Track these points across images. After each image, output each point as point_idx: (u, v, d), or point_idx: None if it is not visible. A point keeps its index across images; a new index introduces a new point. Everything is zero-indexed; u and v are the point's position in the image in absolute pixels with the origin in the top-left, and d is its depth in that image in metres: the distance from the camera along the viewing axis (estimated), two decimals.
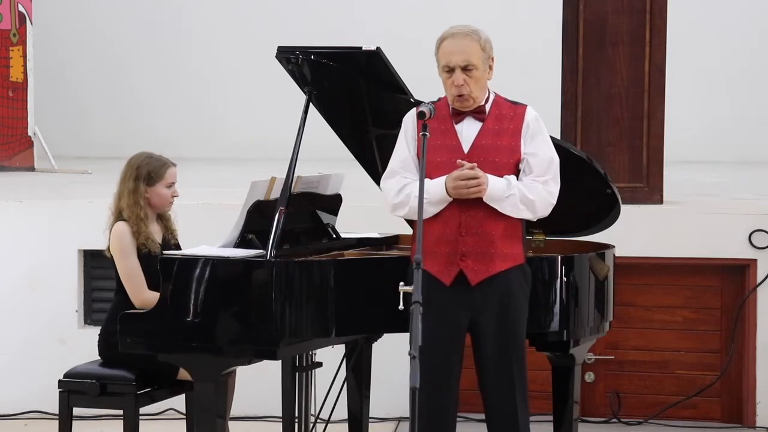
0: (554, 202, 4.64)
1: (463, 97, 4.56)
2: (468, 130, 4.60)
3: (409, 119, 4.71)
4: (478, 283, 4.57)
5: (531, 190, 4.57)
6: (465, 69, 4.53)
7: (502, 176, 4.56)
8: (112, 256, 5.44)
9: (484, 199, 4.53)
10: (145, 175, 5.47)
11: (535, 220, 4.68)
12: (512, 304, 4.61)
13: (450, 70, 4.54)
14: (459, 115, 4.61)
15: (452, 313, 4.57)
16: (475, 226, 4.56)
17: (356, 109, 5.28)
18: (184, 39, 12.11)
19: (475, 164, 4.50)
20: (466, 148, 4.58)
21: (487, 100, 4.63)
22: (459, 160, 4.51)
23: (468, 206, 4.55)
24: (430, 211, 4.54)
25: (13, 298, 7.03)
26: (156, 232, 5.50)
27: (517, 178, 4.59)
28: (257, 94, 11.65)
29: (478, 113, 4.60)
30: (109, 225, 5.49)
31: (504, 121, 4.61)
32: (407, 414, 4.44)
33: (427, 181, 4.51)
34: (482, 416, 4.71)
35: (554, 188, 4.63)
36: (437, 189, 4.54)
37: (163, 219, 5.58)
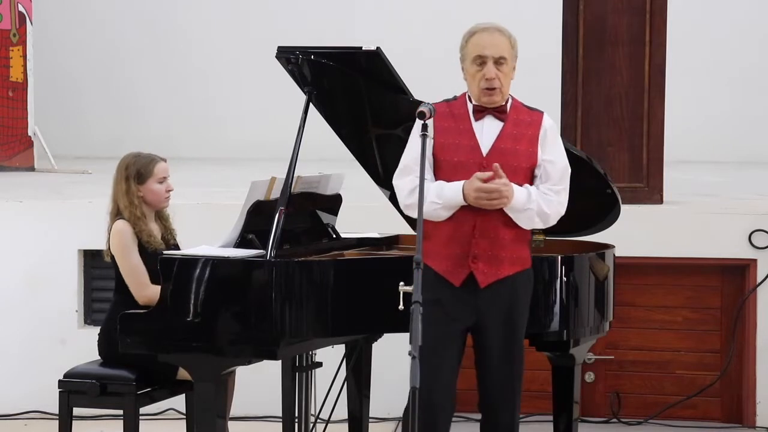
0: (563, 212, 4.60)
1: (494, 91, 4.47)
2: (488, 131, 4.51)
3: None
4: (486, 286, 4.52)
5: (548, 204, 4.51)
6: (497, 62, 4.47)
7: (517, 180, 4.47)
8: (112, 256, 5.43)
9: (505, 209, 4.47)
10: (135, 174, 5.45)
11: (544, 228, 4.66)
12: (517, 308, 4.57)
13: (482, 63, 4.46)
14: (479, 113, 4.51)
15: (457, 313, 4.52)
16: (490, 229, 4.49)
17: (356, 109, 5.28)
18: (184, 39, 12.11)
19: (504, 176, 4.40)
20: (484, 150, 4.49)
21: (506, 102, 4.56)
22: (479, 173, 4.39)
23: (483, 209, 4.46)
24: (442, 215, 4.47)
25: (13, 298, 7.03)
26: (155, 231, 5.49)
27: (532, 183, 4.54)
28: (257, 94, 11.64)
29: (499, 112, 4.52)
30: (108, 227, 5.49)
31: (521, 126, 4.54)
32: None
33: (443, 183, 4.46)
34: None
35: (565, 198, 4.58)
36: (453, 194, 4.44)
37: (161, 219, 5.57)
